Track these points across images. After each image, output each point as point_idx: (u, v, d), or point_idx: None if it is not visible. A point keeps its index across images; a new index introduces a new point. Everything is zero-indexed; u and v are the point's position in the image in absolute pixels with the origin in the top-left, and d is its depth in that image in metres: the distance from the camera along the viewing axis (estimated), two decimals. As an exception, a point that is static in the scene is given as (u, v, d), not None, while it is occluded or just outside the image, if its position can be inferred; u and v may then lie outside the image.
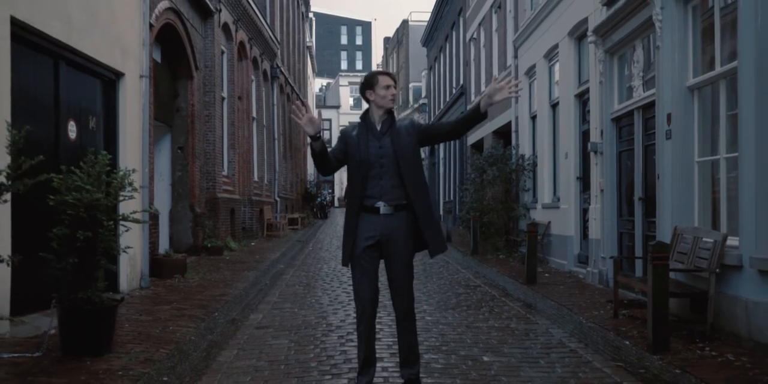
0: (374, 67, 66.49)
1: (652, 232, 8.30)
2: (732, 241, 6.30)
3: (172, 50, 12.80)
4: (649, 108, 8.26)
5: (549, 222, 12.57)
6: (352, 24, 76.11)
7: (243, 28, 17.56)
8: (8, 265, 4.13)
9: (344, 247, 4.53)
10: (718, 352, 5.76)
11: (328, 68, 69.76)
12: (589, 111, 10.53)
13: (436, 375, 5.16)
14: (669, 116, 7.45)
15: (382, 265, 4.57)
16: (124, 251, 5.74)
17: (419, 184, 4.45)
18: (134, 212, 5.61)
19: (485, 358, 5.70)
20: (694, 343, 6.11)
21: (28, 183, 4.05)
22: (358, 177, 4.43)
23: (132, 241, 7.99)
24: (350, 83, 61.54)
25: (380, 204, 4.40)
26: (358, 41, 76.06)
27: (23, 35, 6.46)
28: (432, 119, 32.48)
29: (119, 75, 8.68)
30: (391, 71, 4.79)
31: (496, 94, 4.24)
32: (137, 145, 9.22)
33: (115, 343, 5.84)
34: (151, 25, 9.89)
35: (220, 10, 14.96)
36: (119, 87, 8.72)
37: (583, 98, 10.95)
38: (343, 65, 75.15)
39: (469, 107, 3.96)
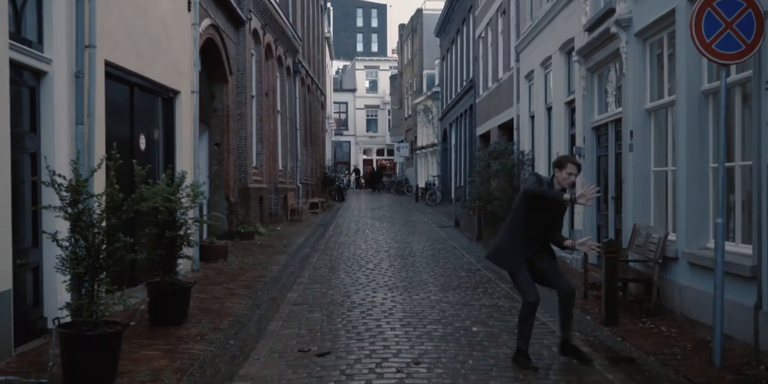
0: (389, 52, 67.79)
1: (621, 227, 9.92)
2: (673, 236, 7.93)
3: (210, 58, 14.43)
4: (619, 122, 9.84)
5: (544, 212, 14.18)
6: (367, 7, 77.14)
7: (270, 31, 19.17)
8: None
9: (515, 256, 6.12)
10: (655, 325, 7.43)
11: (344, 50, 71.01)
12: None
13: (435, 340, 6.87)
14: (631, 132, 9.04)
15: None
16: (197, 244, 7.47)
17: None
18: (205, 215, 7.31)
19: (474, 329, 7.41)
20: (640, 318, 7.78)
21: (149, 204, 5.76)
22: (541, 220, 6.04)
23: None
24: (366, 67, 62.96)
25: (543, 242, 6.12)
26: (374, 23, 77.16)
27: (111, 71, 8.13)
28: (444, 107, 34.00)
29: (176, 93, 10.37)
30: (577, 160, 6.40)
31: (580, 198, 5.83)
32: (189, 148, 10.93)
33: (189, 316, 7.59)
34: (197, 45, 11.54)
35: (251, 19, 16.57)
36: (176, 103, 10.43)
37: (571, 106, 12.51)
38: (359, 47, 76.33)
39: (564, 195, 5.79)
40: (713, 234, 7.15)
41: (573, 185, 6.21)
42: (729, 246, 6.76)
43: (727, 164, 6.93)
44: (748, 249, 6.40)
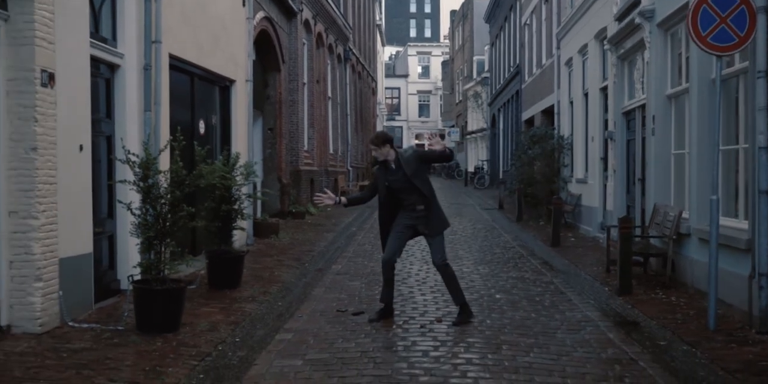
0: (442, 38, 68.11)
1: (645, 207, 10.48)
2: (687, 214, 8.50)
3: (263, 49, 15.36)
4: (645, 107, 10.37)
5: (580, 194, 14.76)
6: (421, -8, 77.47)
7: (320, 21, 20.03)
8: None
9: (383, 226, 7.01)
10: (666, 296, 8.04)
11: (397, 36, 71.61)
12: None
13: (460, 304, 7.64)
14: (654, 117, 9.59)
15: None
16: (250, 218, 8.39)
17: (430, 190, 6.88)
18: (258, 191, 8.21)
19: (497, 296, 8.16)
20: (654, 289, 8.40)
21: (207, 181, 6.69)
22: (389, 195, 6.86)
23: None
24: (418, 53, 63.50)
25: (419, 207, 6.83)
26: (427, 9, 77.43)
27: (174, 63, 9.07)
28: (493, 92, 34.47)
29: (232, 82, 11.31)
30: (373, 137, 7.11)
31: (435, 146, 6.86)
32: (244, 132, 11.89)
33: (242, 281, 8.52)
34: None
35: (302, 10, 17.44)
36: (231, 91, 11.38)
37: (605, 92, 13.03)
38: (412, 33, 76.79)
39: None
40: (718, 211, 7.72)
41: (381, 157, 6.84)
42: (731, 222, 7.36)
43: (731, 147, 7.53)
44: (747, 224, 6.96)
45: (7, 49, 5.81)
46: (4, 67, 5.82)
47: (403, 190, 6.83)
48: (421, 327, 6.59)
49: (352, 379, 5.06)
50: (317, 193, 6.94)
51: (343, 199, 7.06)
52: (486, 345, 6.00)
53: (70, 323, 6.27)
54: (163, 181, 6.36)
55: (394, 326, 6.64)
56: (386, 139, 6.90)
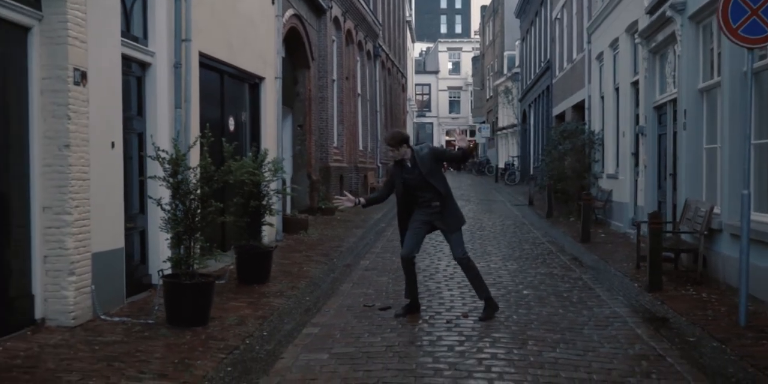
0: (472, 34, 67.81)
1: (677, 202, 10.35)
2: (719, 210, 8.39)
3: (293, 46, 15.44)
4: (676, 101, 10.23)
5: (611, 190, 14.63)
6: (451, -12, 77.16)
7: (350, 18, 20.08)
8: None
9: (401, 223, 7.07)
10: (697, 292, 7.94)
11: (427, 32, 71.43)
12: (641, 98, 12.48)
13: (487, 300, 7.63)
14: (685, 111, 9.47)
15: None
16: (278, 213, 8.47)
17: (446, 188, 6.89)
18: (285, 187, 8.28)
19: (525, 292, 8.13)
20: (685, 286, 8.30)
21: (236, 177, 6.77)
22: (405, 193, 6.90)
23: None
24: (449, 49, 63.34)
25: (434, 203, 6.85)
26: (457, 5, 77.12)
27: (204, 61, 9.18)
28: (523, 88, 34.27)
29: (261, 79, 11.41)
30: (389, 137, 7.06)
31: (460, 142, 6.94)
32: (273, 129, 11.99)
33: (271, 277, 8.61)
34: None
35: (331, 7, 17.50)
36: (261, 88, 11.48)
37: (636, 86, 12.88)
38: (443, 29, 76.56)
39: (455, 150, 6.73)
40: (749, 206, 7.60)
41: (399, 156, 6.88)
42: (764, 217, 7.29)
43: (763, 141, 7.42)
44: (780, 220, 6.86)
45: (41, 49, 5.95)
46: (38, 66, 5.95)
47: (419, 188, 6.84)
48: (447, 322, 6.61)
49: (377, 373, 5.10)
50: (336, 196, 7.01)
51: (362, 199, 7.07)
52: (512, 340, 5.99)
53: (102, 317, 6.40)
54: (192, 177, 6.46)
55: (420, 321, 6.67)
56: (402, 139, 6.92)
